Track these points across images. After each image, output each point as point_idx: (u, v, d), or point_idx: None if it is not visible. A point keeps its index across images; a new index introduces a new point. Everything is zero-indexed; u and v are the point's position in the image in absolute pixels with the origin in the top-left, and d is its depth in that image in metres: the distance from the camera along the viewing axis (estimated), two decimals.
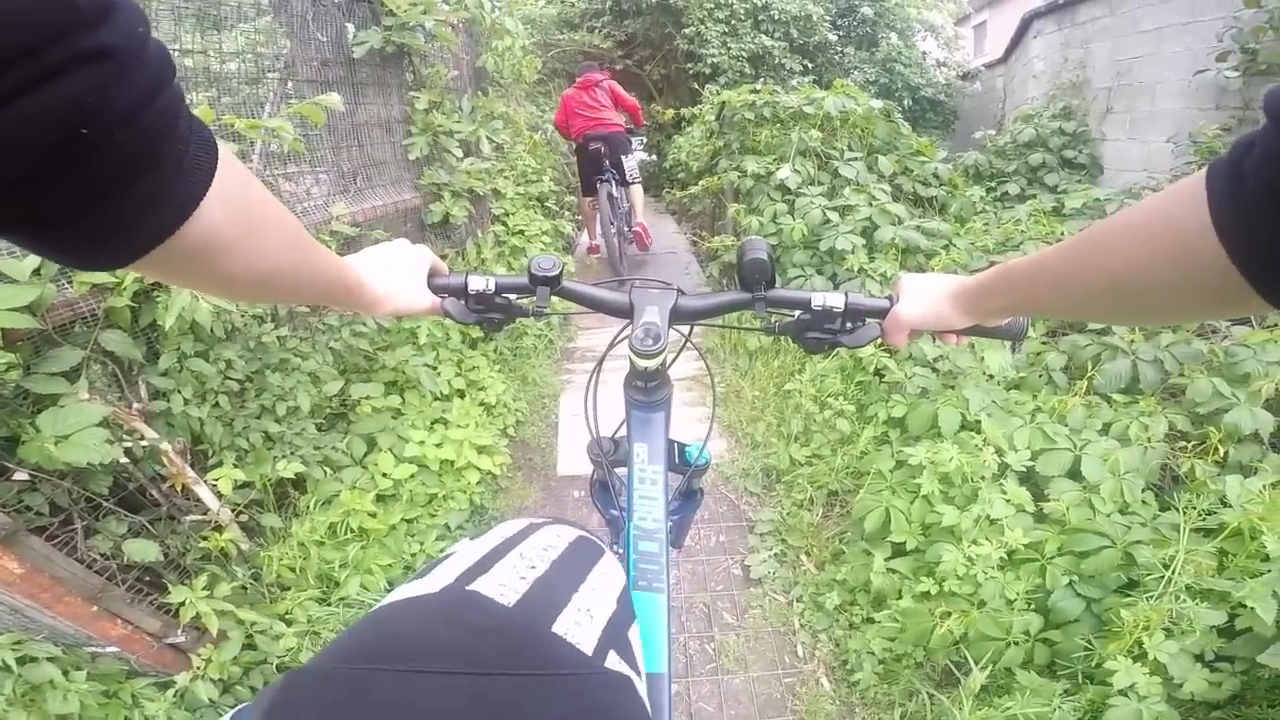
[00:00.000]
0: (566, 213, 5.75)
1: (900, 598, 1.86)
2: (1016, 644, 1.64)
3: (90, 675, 1.44)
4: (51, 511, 1.43)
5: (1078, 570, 1.65)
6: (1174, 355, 2.14)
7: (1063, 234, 3.20)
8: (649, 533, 0.87)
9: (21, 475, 1.35)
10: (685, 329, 1.00)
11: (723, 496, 2.68)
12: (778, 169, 3.79)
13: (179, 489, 1.66)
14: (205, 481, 1.70)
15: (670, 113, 8.31)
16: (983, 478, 1.90)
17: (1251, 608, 1.39)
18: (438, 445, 2.31)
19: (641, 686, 0.53)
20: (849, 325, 0.86)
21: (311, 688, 0.42)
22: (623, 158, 4.98)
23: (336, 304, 0.68)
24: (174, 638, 1.63)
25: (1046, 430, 1.98)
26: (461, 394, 2.75)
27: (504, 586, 0.52)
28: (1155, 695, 1.40)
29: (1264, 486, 1.67)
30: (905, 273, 0.82)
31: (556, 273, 0.85)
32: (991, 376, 2.35)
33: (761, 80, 5.29)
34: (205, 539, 1.68)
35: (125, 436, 1.50)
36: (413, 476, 2.20)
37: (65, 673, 1.40)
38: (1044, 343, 2.52)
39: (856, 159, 3.80)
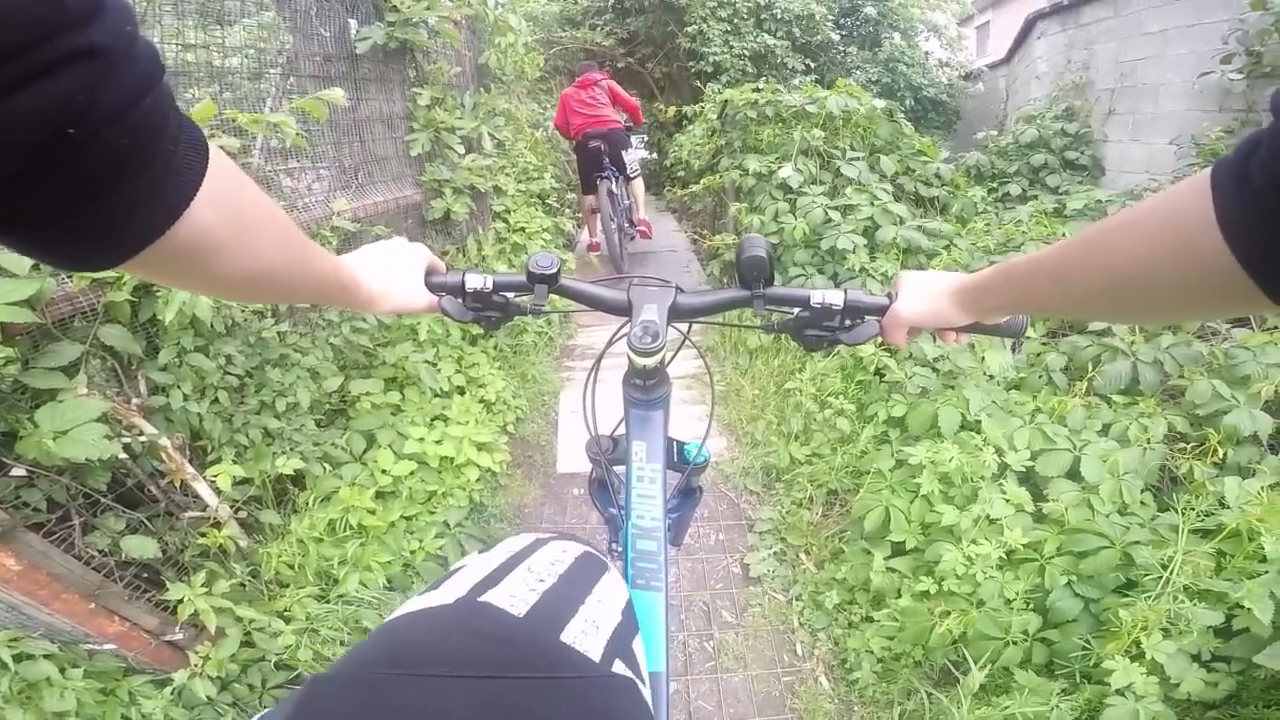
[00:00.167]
0: (567, 210, 5.75)
1: (899, 597, 1.86)
2: (1015, 643, 1.64)
3: (87, 673, 1.44)
4: (49, 507, 1.42)
5: (1076, 570, 1.65)
6: (1174, 357, 2.14)
7: (1064, 235, 3.20)
8: (647, 531, 0.86)
9: (19, 471, 1.34)
10: (684, 327, 1.00)
11: (722, 495, 2.68)
12: (780, 168, 3.78)
13: (178, 485, 1.66)
14: (204, 478, 1.69)
15: (672, 111, 8.29)
16: (982, 478, 1.90)
17: (1249, 608, 1.39)
18: (437, 442, 2.31)
19: (647, 693, 0.54)
20: (848, 323, 0.85)
21: (333, 693, 0.43)
22: (623, 153, 4.99)
23: (332, 303, 0.68)
24: (172, 635, 1.62)
25: (1046, 431, 1.98)
26: (461, 391, 2.75)
27: (514, 598, 0.54)
28: (1152, 695, 1.40)
29: (1262, 488, 1.67)
30: (904, 271, 0.82)
31: (554, 271, 0.84)
32: (992, 377, 2.35)
33: (763, 79, 5.28)
34: (204, 535, 1.68)
35: (124, 432, 1.50)
36: (412, 473, 2.20)
37: (62, 670, 1.39)
38: (1044, 343, 2.52)
39: (858, 158, 3.80)
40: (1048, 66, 5.92)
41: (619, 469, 1.04)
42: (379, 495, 2.11)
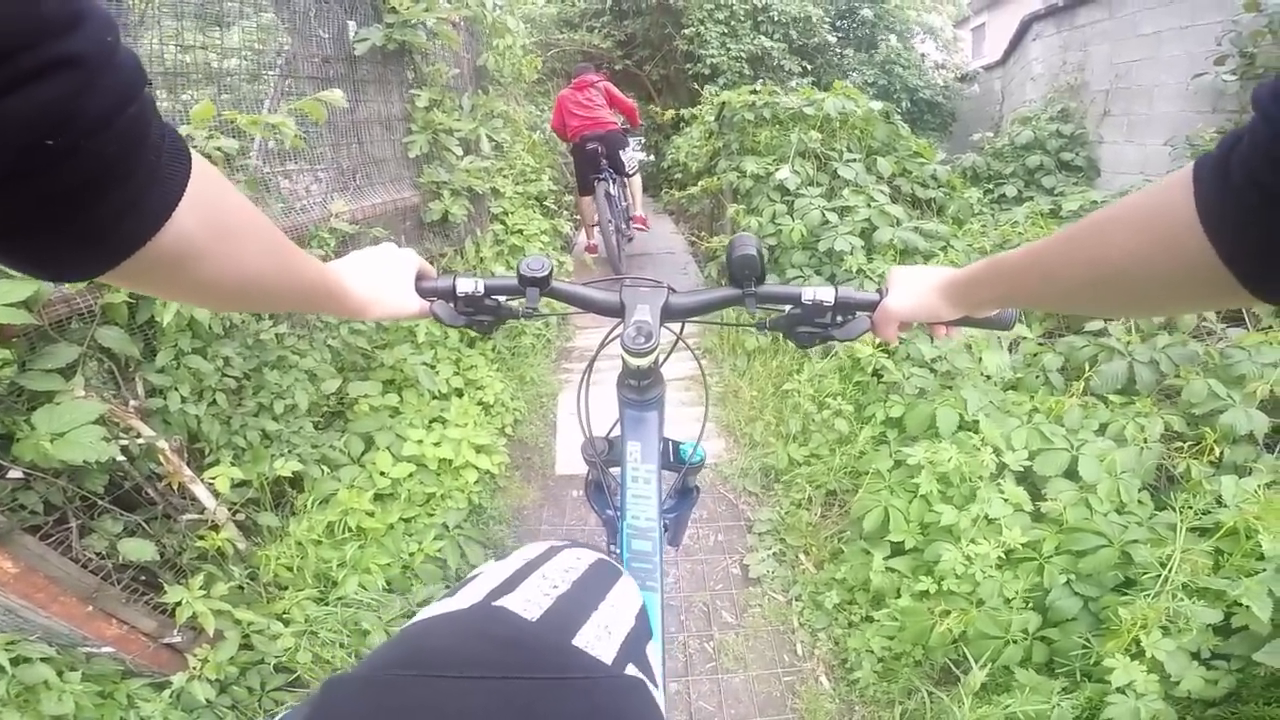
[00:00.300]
0: (565, 212, 5.75)
1: (899, 596, 1.86)
2: (1015, 642, 1.65)
3: (85, 676, 1.43)
4: (46, 510, 1.41)
5: (1075, 569, 1.66)
6: (1170, 357, 2.15)
7: None
8: (642, 531, 0.87)
9: (16, 473, 1.34)
10: (676, 327, 1.00)
11: (721, 496, 2.68)
12: (777, 170, 3.79)
13: (175, 488, 1.65)
14: (202, 480, 1.69)
15: (670, 114, 8.31)
16: (981, 477, 1.91)
17: (1247, 606, 1.40)
18: (436, 444, 2.31)
19: (659, 696, 0.55)
20: (839, 319, 0.86)
21: (350, 693, 0.44)
22: (620, 152, 5.00)
23: (321, 310, 0.68)
24: (170, 638, 1.62)
25: (1044, 430, 1.99)
26: (460, 393, 2.74)
27: (529, 603, 0.54)
28: (1153, 693, 1.41)
29: (1259, 486, 1.68)
30: (895, 266, 0.82)
31: (546, 273, 0.84)
32: (989, 377, 2.35)
33: (760, 81, 5.29)
34: (202, 538, 1.67)
35: (122, 434, 1.50)
36: (411, 475, 2.19)
37: (60, 673, 1.38)
38: (1041, 344, 2.53)
39: (855, 160, 3.81)
40: (1043, 68, 5.95)
41: (615, 471, 1.04)
42: (378, 497, 2.10)
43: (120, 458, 1.47)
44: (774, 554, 2.32)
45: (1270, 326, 2.24)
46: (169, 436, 1.61)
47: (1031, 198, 4.69)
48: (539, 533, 2.56)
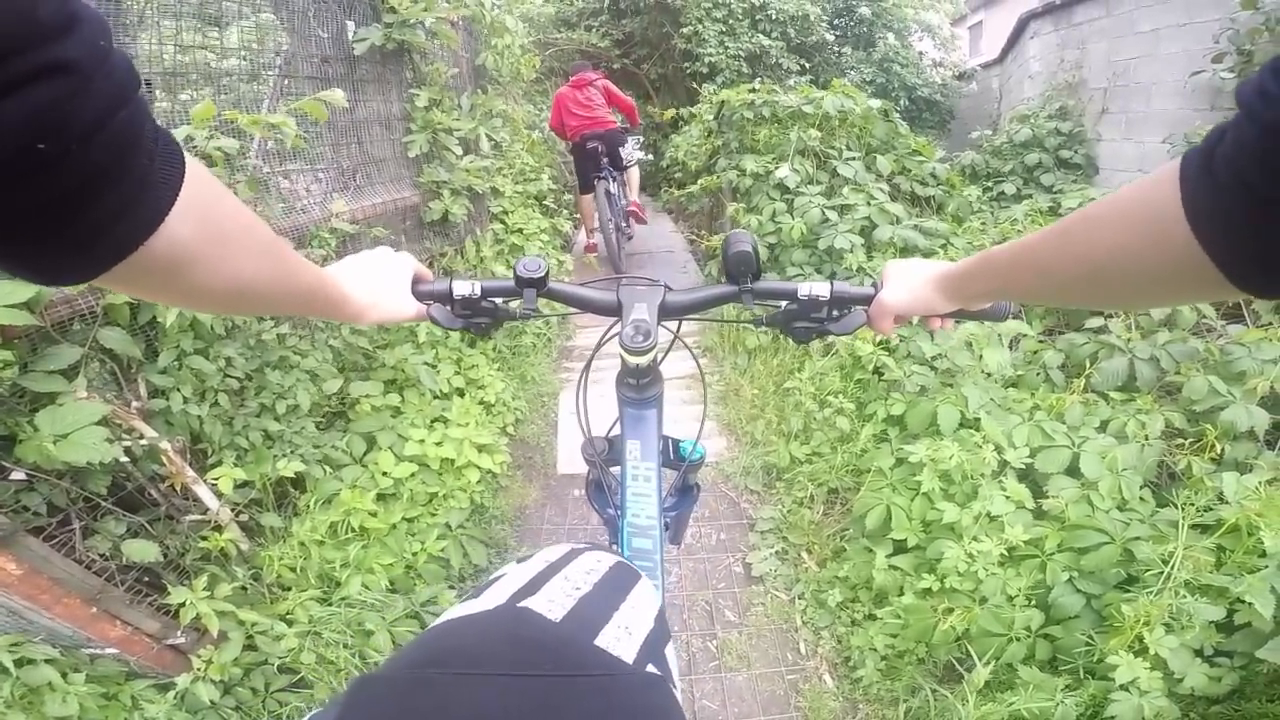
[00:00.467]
0: (564, 211, 5.75)
1: (902, 594, 1.86)
2: (1018, 640, 1.65)
3: (89, 677, 1.43)
4: (49, 512, 1.42)
5: (1078, 566, 1.66)
6: (1170, 353, 2.15)
7: None
8: (642, 529, 0.87)
9: (19, 475, 1.34)
10: (674, 325, 1.00)
11: (723, 494, 2.68)
12: (776, 168, 3.79)
13: (178, 488, 1.65)
14: (205, 481, 1.69)
15: (669, 113, 8.31)
16: (982, 475, 1.91)
17: (1250, 603, 1.40)
18: (438, 444, 2.30)
19: (679, 694, 0.56)
20: (835, 313, 0.87)
21: (379, 693, 0.45)
22: (619, 149, 5.02)
23: (318, 315, 0.69)
24: (174, 639, 1.62)
25: (1045, 428, 1.99)
26: (461, 392, 2.74)
27: (552, 604, 0.56)
28: (1156, 690, 1.41)
29: (1260, 483, 1.68)
30: (890, 260, 0.83)
31: (542, 274, 0.84)
32: (990, 374, 2.35)
33: (759, 80, 5.29)
34: (205, 539, 1.67)
35: (124, 435, 1.50)
36: (413, 475, 2.19)
37: (64, 675, 1.39)
38: (1041, 341, 2.53)
39: (855, 158, 3.81)
40: (1041, 66, 5.95)
41: (616, 470, 1.04)
42: (380, 497, 2.10)
43: (123, 459, 1.47)
44: (776, 552, 2.33)
45: (1271, 323, 2.24)
46: (171, 437, 1.61)
47: (1030, 195, 4.68)
48: (541, 532, 2.56)
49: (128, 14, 1.70)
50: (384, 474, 2.13)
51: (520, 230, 4.23)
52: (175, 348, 1.60)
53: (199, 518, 1.69)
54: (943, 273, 0.73)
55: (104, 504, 1.50)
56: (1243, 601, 1.42)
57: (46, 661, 1.36)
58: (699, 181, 5.07)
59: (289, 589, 1.82)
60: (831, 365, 2.81)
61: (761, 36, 8.85)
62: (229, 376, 1.75)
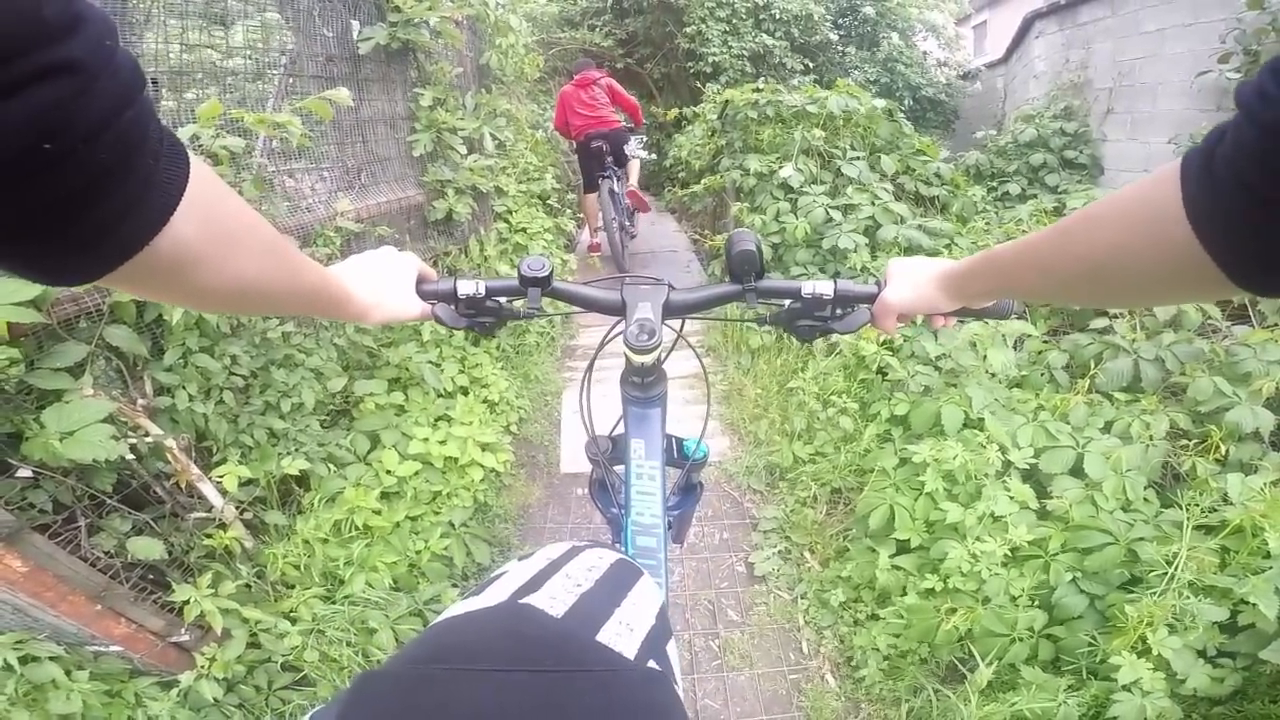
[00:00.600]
0: (568, 211, 5.76)
1: (905, 594, 1.86)
2: (1021, 640, 1.65)
3: (93, 675, 1.44)
4: (55, 509, 1.42)
5: (1081, 567, 1.66)
6: (1175, 354, 2.14)
7: None
8: (646, 528, 0.88)
9: (25, 472, 1.34)
10: (677, 324, 1.00)
11: (726, 494, 2.68)
12: (780, 168, 3.79)
13: (183, 486, 1.66)
14: (210, 478, 1.69)
15: (673, 113, 8.32)
16: (986, 475, 1.90)
17: (1254, 604, 1.40)
18: (441, 442, 2.31)
19: (680, 690, 0.57)
20: (839, 312, 0.87)
21: (381, 690, 0.45)
22: (624, 146, 5.04)
23: (323, 315, 0.69)
24: (178, 636, 1.62)
25: (1049, 428, 1.98)
26: (465, 391, 2.75)
27: (554, 600, 0.56)
28: (1159, 690, 1.41)
29: (1265, 484, 1.67)
30: (893, 259, 0.83)
31: (547, 274, 0.84)
32: (994, 375, 2.35)
33: (762, 79, 5.28)
34: (209, 537, 1.67)
35: (130, 433, 1.50)
36: (417, 474, 2.20)
37: (68, 672, 1.39)
38: (1045, 341, 2.53)
39: (859, 158, 3.81)
40: (1046, 66, 5.94)
41: (619, 469, 1.05)
42: (384, 496, 2.11)
43: (129, 456, 1.47)
44: (779, 552, 2.33)
45: (1276, 325, 2.23)
46: (177, 435, 1.62)
47: (1035, 195, 4.68)
48: (544, 531, 2.56)
49: (134, 13, 1.70)
50: (388, 472, 2.13)
51: (524, 230, 4.24)
52: (181, 345, 1.61)
53: (204, 515, 1.70)
54: (946, 271, 0.74)
55: (109, 501, 1.51)
56: (1246, 602, 1.42)
57: (51, 659, 1.36)
58: (702, 181, 5.08)
59: (293, 587, 1.83)
60: (835, 365, 2.81)
61: (765, 36, 8.84)
62: (234, 374, 1.76)
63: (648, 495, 0.90)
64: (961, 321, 2.38)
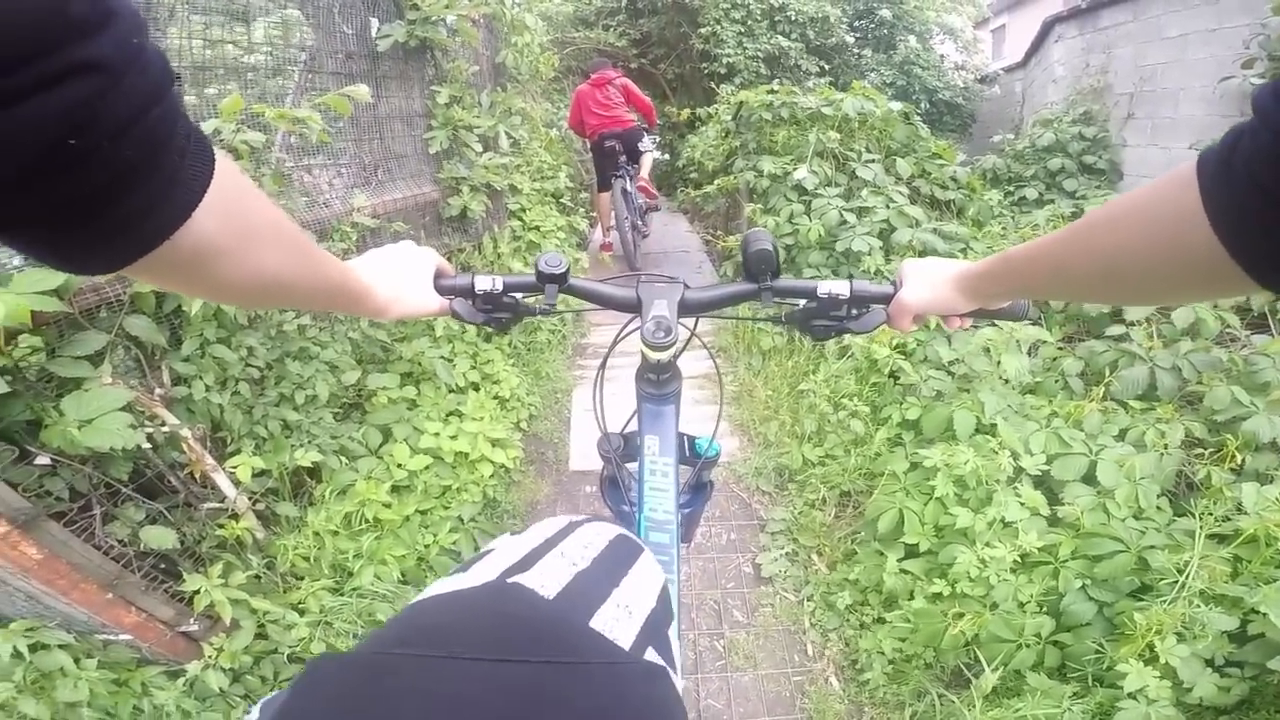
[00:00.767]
0: (581, 209, 5.77)
1: (912, 598, 1.85)
2: (1028, 646, 1.64)
3: (101, 663, 1.44)
4: (71, 497, 1.43)
5: (1091, 574, 1.65)
6: (1192, 363, 2.12)
7: None
8: (660, 524, 0.88)
9: (43, 459, 1.36)
10: (691, 322, 1.01)
11: (735, 495, 2.68)
12: (795, 169, 3.78)
13: (197, 476, 1.68)
14: (223, 469, 1.71)
15: (686, 113, 8.30)
16: (997, 481, 1.89)
17: (1264, 614, 1.38)
18: (452, 437, 2.32)
19: (679, 682, 0.53)
20: (854, 312, 0.87)
21: (331, 674, 0.42)
22: (638, 144, 5.03)
23: (343, 310, 0.68)
24: (187, 626, 1.63)
25: (1062, 435, 1.97)
26: (476, 387, 2.77)
27: (545, 580, 0.52)
28: (1165, 699, 1.40)
29: None
30: (908, 259, 0.83)
31: (564, 270, 0.85)
32: (1007, 380, 2.33)
33: (777, 81, 5.28)
34: (221, 527, 1.69)
35: (146, 422, 1.52)
36: (427, 468, 2.21)
37: (76, 660, 1.39)
38: (1060, 348, 2.51)
39: (874, 161, 3.79)
40: (1065, 70, 5.88)
41: (631, 466, 1.05)
42: (394, 489, 2.13)
43: (145, 445, 1.49)
44: (787, 554, 2.32)
45: None
46: (192, 425, 1.64)
47: (1052, 200, 4.64)
48: None
49: (158, 9, 1.73)
50: (399, 466, 2.15)
51: (537, 227, 4.25)
52: (199, 336, 1.63)
53: (216, 505, 1.72)
54: (962, 272, 0.74)
55: (124, 490, 1.52)
56: (1257, 612, 1.41)
57: (60, 647, 1.37)
58: (715, 182, 5.07)
59: (302, 578, 1.84)
60: (846, 368, 2.80)
61: (780, 38, 8.81)
62: (250, 366, 1.78)
63: (661, 491, 0.90)
64: (976, 325, 2.37)
